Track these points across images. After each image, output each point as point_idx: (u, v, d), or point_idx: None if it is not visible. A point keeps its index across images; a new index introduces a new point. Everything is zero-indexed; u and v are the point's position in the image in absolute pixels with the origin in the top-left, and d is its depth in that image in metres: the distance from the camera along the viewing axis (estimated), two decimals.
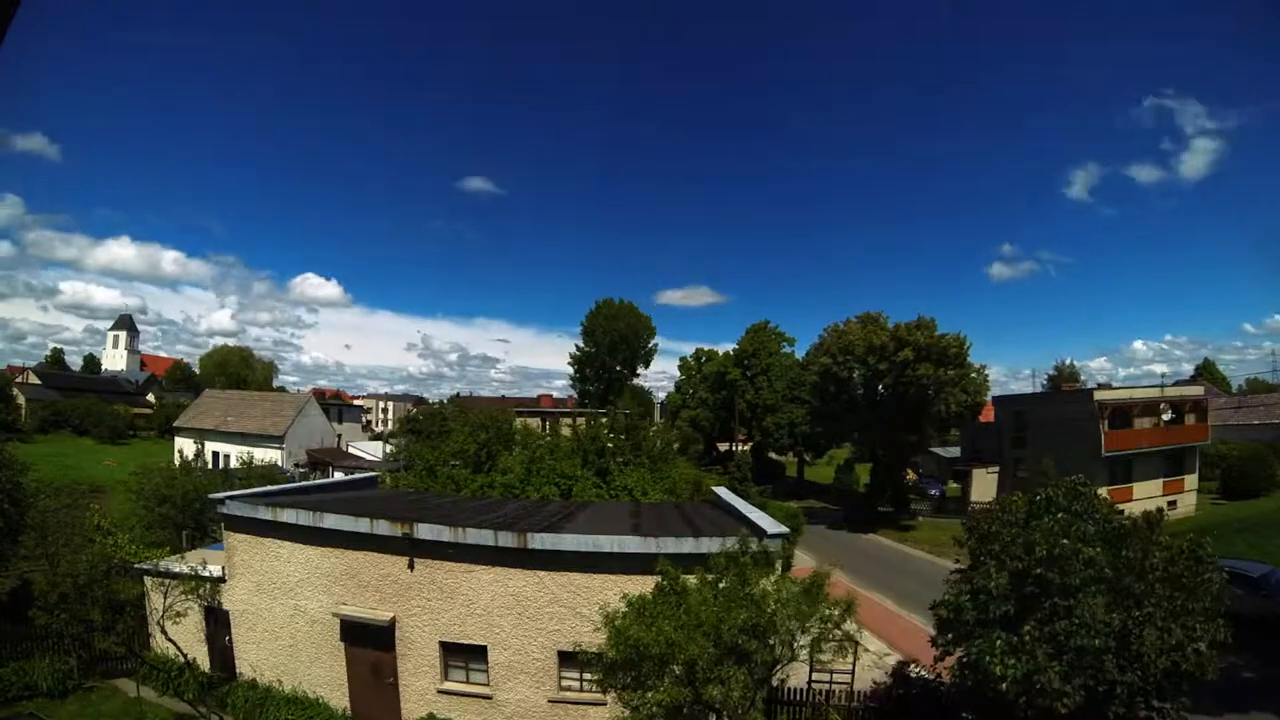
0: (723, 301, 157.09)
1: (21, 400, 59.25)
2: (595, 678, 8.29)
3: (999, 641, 8.20)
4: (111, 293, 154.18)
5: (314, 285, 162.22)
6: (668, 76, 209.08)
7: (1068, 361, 72.53)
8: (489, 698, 11.24)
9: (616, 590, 9.31)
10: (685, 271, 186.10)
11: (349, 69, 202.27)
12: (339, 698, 12.13)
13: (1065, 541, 8.22)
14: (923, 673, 11.60)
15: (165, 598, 10.93)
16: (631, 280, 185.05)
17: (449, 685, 11.51)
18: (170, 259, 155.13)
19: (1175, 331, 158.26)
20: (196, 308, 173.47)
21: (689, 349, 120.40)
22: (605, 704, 10.16)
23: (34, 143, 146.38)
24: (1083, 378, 69.04)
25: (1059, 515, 8.86)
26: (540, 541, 10.86)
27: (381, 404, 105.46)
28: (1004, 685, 7.92)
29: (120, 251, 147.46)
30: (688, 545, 10.29)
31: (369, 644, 11.80)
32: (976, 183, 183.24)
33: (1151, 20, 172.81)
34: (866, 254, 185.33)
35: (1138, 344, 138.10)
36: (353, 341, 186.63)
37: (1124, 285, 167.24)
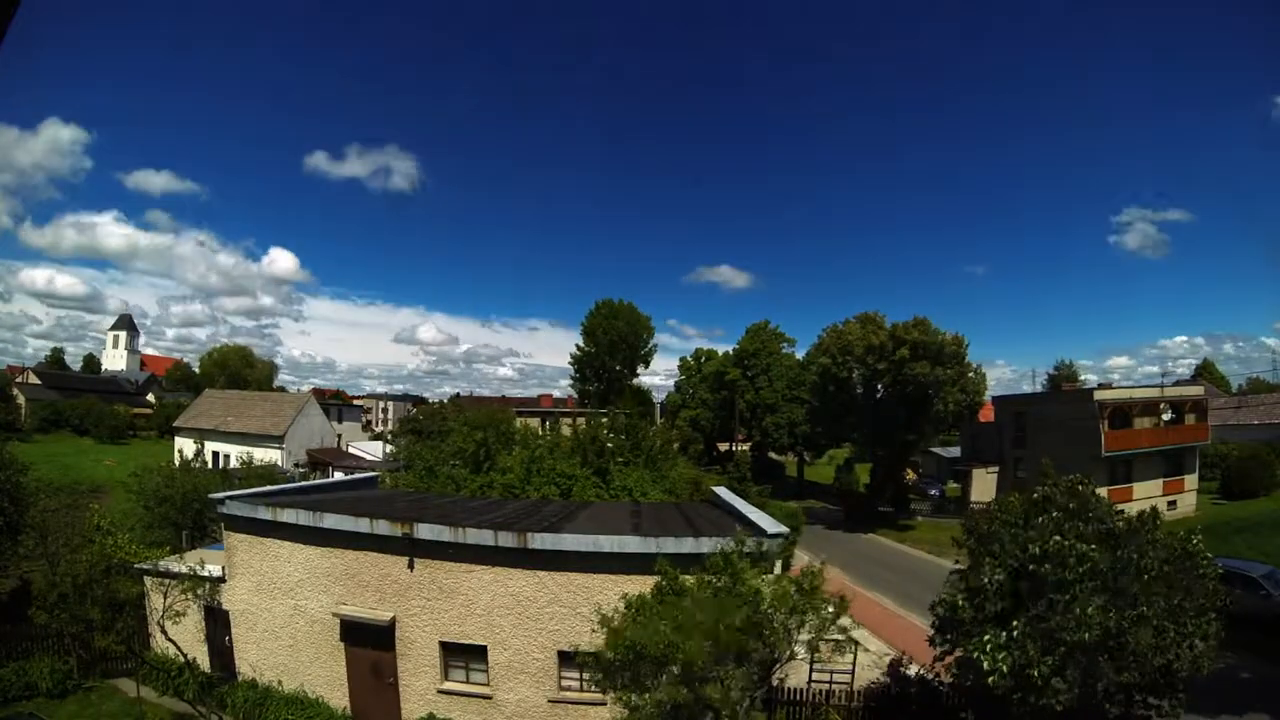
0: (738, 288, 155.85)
1: (21, 400, 59.39)
2: (594, 678, 8.30)
3: (989, 637, 8.23)
4: (73, 279, 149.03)
5: (288, 270, 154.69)
6: (668, 78, 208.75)
7: (1067, 361, 72.67)
8: (489, 698, 11.25)
9: (617, 590, 9.33)
10: (694, 262, 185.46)
11: (353, 46, 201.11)
12: (339, 698, 12.14)
13: (1058, 538, 8.24)
14: (917, 668, 11.64)
15: (165, 598, 10.94)
16: (634, 280, 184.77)
17: (449, 685, 11.52)
18: (134, 239, 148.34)
19: (1206, 329, 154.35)
20: (165, 291, 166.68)
21: (689, 348, 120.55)
22: (605, 704, 10.16)
23: None
24: (1083, 377, 69.15)
25: (1054, 513, 8.88)
26: (540, 541, 10.87)
27: (381, 404, 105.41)
28: (992, 679, 7.94)
29: (72, 231, 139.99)
30: (687, 545, 10.29)
31: (369, 644, 11.81)
32: (980, 181, 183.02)
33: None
34: (869, 254, 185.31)
35: (1165, 342, 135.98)
36: (344, 336, 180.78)
37: (1148, 282, 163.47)
